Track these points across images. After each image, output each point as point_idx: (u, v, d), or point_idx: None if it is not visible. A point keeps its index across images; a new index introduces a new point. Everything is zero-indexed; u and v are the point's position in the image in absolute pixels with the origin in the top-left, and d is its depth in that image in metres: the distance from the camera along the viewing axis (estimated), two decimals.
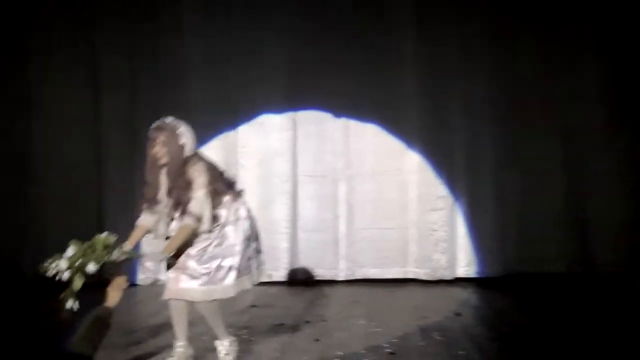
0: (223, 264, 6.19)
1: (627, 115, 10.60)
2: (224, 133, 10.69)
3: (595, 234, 10.62)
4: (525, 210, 10.69)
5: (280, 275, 10.59)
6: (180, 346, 6.44)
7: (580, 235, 10.67)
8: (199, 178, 6.08)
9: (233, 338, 6.57)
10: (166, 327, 7.06)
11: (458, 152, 10.65)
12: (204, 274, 6.16)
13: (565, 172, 10.71)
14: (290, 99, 10.67)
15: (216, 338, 6.50)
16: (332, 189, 10.72)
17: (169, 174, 6.14)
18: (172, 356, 6.47)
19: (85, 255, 5.69)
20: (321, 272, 10.72)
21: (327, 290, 10.18)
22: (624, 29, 10.58)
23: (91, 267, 5.65)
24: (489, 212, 10.66)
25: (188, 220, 6.03)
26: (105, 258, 5.74)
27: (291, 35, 10.64)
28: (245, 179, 10.48)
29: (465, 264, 10.73)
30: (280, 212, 10.66)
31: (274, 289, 10.15)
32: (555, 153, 10.72)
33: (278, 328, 7.90)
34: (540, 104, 10.69)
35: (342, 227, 10.71)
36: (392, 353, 6.87)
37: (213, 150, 10.29)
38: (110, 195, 10.69)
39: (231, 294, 6.24)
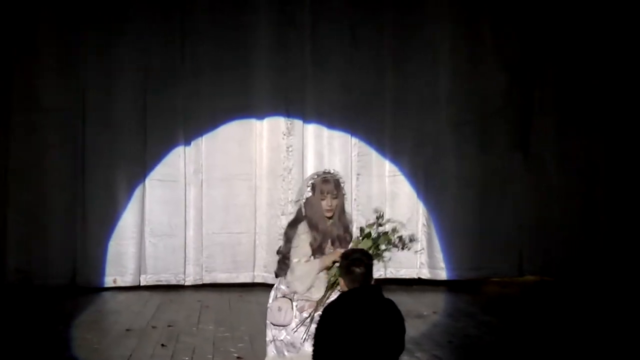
0: None
1: None
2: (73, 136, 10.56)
3: None
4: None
5: (127, 280, 10.48)
6: None
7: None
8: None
9: None
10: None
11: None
12: None
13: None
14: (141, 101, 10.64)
15: None
16: (181, 193, 10.67)
17: (335, 227, 5.84)
18: None
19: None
20: (168, 277, 10.67)
21: (174, 295, 10.14)
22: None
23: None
24: None
25: None
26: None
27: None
28: (93, 183, 10.41)
29: None
30: (128, 216, 10.56)
31: (121, 295, 10.07)
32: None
33: (125, 334, 7.84)
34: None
35: (191, 232, 10.69)
36: (239, 357, 6.91)
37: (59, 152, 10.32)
38: None
39: None
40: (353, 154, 10.94)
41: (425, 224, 10.97)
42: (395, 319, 4.81)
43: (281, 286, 5.87)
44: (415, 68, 10.98)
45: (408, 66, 10.97)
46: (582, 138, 11.12)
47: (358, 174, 10.93)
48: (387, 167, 11.03)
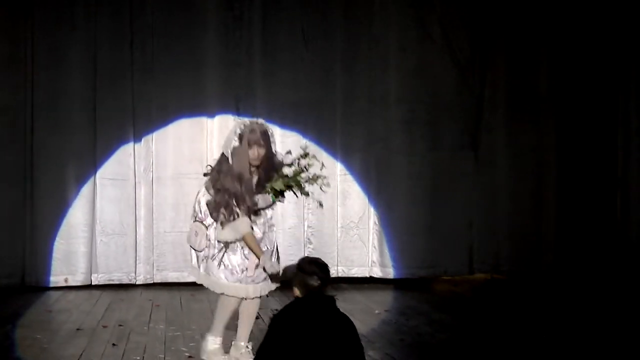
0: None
1: None
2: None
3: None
4: None
5: (78, 280, 10.39)
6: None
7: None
8: None
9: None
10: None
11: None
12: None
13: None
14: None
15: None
16: (132, 192, 10.59)
17: (261, 177, 6.20)
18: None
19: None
20: (120, 276, 10.58)
21: (125, 294, 10.07)
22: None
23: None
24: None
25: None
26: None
27: None
28: (42, 182, 10.30)
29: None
30: (78, 215, 10.46)
31: (71, 294, 9.98)
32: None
33: (75, 333, 7.77)
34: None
35: (142, 231, 10.61)
36: (190, 357, 6.88)
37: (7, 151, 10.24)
38: None
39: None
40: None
41: (377, 222, 11.00)
42: (349, 335, 4.70)
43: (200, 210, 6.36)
44: (365, 66, 11.00)
45: (358, 64, 10.99)
46: (532, 136, 11.23)
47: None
48: (338, 166, 11.04)
